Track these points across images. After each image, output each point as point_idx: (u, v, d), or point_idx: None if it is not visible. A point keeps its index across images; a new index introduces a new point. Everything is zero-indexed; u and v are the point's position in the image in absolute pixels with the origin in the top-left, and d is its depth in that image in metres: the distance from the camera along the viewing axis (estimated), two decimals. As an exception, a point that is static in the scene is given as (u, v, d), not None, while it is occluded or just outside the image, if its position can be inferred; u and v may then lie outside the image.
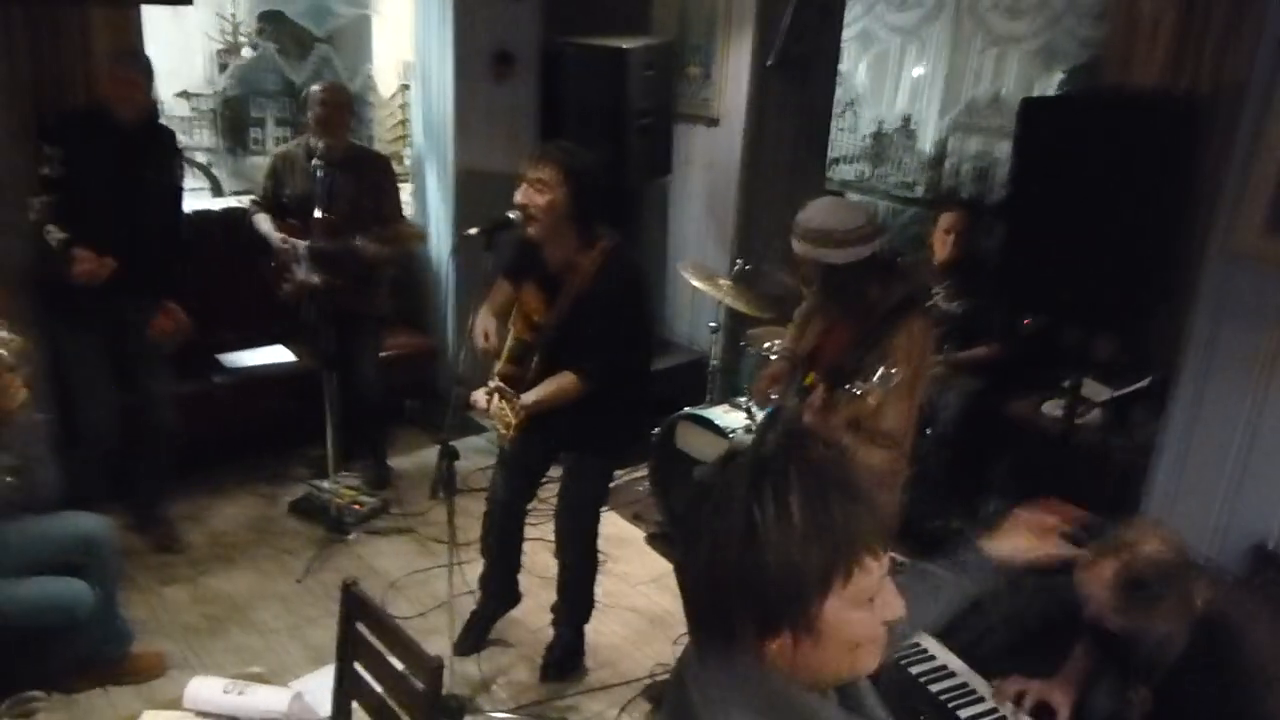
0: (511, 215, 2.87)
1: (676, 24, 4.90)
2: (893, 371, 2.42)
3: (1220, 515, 2.77)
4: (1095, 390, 3.79)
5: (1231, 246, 2.60)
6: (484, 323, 3.04)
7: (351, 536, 4.11)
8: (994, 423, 3.96)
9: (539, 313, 3.00)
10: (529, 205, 2.82)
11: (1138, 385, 3.72)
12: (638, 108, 4.43)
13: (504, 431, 2.75)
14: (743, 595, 1.06)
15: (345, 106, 4.02)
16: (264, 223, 4.08)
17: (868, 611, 1.09)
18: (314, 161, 3.86)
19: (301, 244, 3.90)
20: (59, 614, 2.58)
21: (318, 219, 3.88)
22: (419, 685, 2.06)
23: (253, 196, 4.25)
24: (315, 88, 4.03)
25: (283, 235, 3.96)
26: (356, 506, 4.24)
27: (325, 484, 4.18)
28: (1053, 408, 3.83)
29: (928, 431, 3.93)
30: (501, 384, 2.90)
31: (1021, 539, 1.67)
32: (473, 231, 2.84)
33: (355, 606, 2.25)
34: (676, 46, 4.82)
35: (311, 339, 4.11)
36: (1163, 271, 2.90)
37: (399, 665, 2.15)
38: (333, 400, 3.97)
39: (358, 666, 2.27)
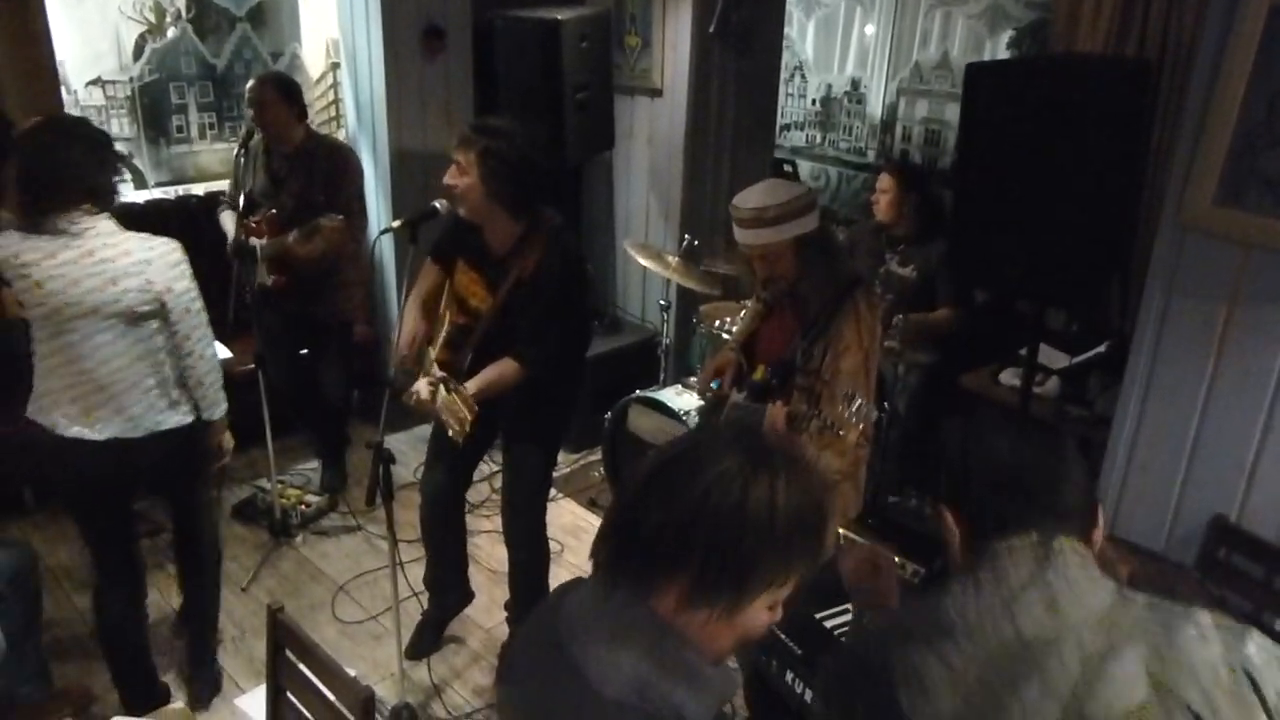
0: (437, 205, 2.77)
1: (612, -8, 4.73)
2: (861, 403, 2.34)
3: (1179, 488, 2.71)
4: (1053, 357, 3.73)
5: (1182, 218, 2.51)
6: (410, 328, 2.91)
7: (298, 539, 3.99)
8: (950, 396, 3.89)
9: (477, 297, 2.87)
10: (455, 186, 2.69)
11: (1096, 351, 3.66)
12: (574, 81, 4.26)
13: (456, 428, 2.59)
14: (704, 562, 1.12)
15: (272, 102, 3.70)
16: (227, 221, 3.89)
17: (768, 616, 1.21)
18: (237, 152, 3.67)
19: (257, 243, 3.74)
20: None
21: (262, 215, 3.72)
22: (351, 718, 1.95)
23: (223, 190, 4.05)
24: (250, 85, 3.76)
25: (235, 237, 3.75)
26: (303, 507, 4.11)
27: (268, 485, 4.04)
28: (1010, 376, 3.77)
29: (885, 406, 3.86)
30: (445, 375, 2.74)
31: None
32: (395, 224, 2.72)
33: (283, 634, 2.13)
34: (613, 16, 4.65)
35: (263, 340, 3.92)
36: (1114, 241, 2.82)
37: (330, 695, 2.03)
38: (270, 399, 3.81)
39: (291, 696, 2.15)
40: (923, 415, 3.97)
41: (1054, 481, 1.32)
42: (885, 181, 4.21)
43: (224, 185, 4.21)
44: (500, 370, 2.77)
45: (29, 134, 2.56)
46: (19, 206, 2.49)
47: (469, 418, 2.57)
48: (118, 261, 2.49)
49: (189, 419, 2.74)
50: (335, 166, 3.86)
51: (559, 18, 4.17)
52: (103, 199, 2.54)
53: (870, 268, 4.10)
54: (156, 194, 4.51)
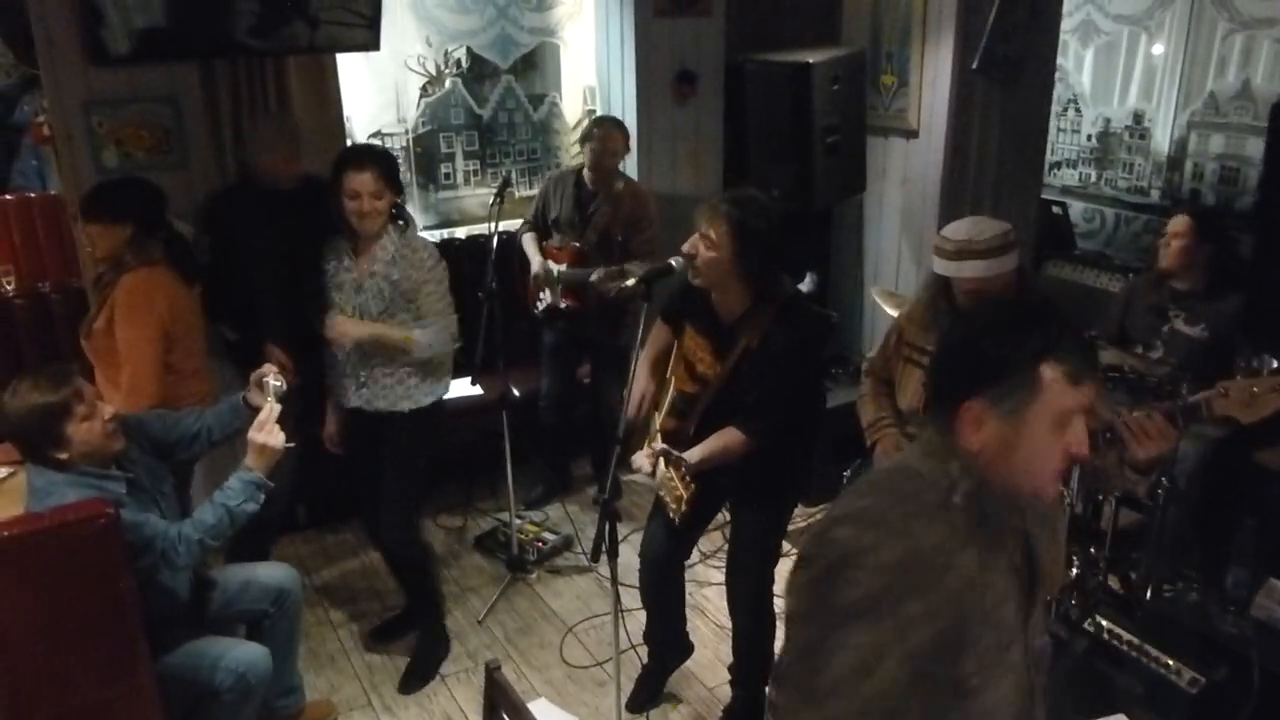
0: (673, 263, 2.73)
1: (869, 32, 4.57)
2: None
3: None
4: (1376, 437, 3.18)
5: None
6: (640, 388, 2.93)
7: (533, 575, 4.08)
8: (1241, 475, 3.41)
9: (704, 364, 2.82)
10: (695, 257, 2.65)
11: None
12: (825, 123, 4.15)
13: (674, 507, 2.58)
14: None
15: (618, 151, 4.12)
16: (529, 243, 4.30)
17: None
18: (574, 188, 4.12)
19: (556, 268, 4.14)
20: (231, 677, 2.63)
21: (565, 245, 4.14)
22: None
23: (526, 216, 4.43)
24: (595, 126, 4.14)
25: (540, 259, 4.19)
26: (540, 544, 4.20)
27: (508, 518, 4.17)
28: (1321, 457, 3.26)
29: (1164, 481, 3.44)
30: (667, 447, 2.72)
31: None
32: (629, 282, 2.71)
33: (497, 693, 2.14)
34: (868, 56, 4.49)
35: (551, 361, 4.43)
36: None
37: (538, 764, 2.02)
38: (513, 434, 3.94)
39: (503, 755, 2.16)
40: (1207, 494, 3.49)
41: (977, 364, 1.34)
42: (1180, 224, 3.68)
43: (483, 228, 4.42)
44: (725, 441, 2.70)
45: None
46: (391, 214, 3.18)
47: (685, 497, 2.56)
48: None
49: None
50: (637, 210, 4.17)
51: (810, 60, 4.07)
52: None
53: (1150, 325, 3.68)
54: (423, 236, 4.79)
